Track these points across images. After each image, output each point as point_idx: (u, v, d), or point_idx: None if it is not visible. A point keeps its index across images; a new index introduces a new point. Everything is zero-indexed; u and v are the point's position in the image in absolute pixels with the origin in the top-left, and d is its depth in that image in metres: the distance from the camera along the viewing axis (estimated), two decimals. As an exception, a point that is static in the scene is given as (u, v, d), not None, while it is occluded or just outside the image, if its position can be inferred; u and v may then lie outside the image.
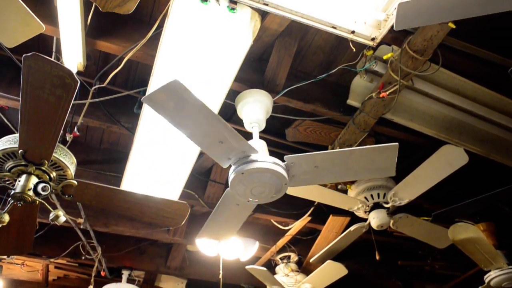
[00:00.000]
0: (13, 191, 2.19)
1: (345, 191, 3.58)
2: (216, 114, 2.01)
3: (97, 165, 3.57)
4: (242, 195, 2.33)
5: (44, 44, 2.77)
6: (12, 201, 2.20)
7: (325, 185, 3.51)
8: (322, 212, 3.88)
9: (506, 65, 2.70)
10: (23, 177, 2.21)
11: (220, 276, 3.64)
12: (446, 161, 2.75)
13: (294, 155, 2.20)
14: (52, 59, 1.79)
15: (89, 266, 4.60)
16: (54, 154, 2.25)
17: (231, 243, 3.75)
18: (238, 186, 2.26)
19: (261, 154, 2.24)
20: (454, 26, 2.26)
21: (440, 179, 2.86)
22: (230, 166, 2.26)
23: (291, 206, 3.89)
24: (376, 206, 3.36)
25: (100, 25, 2.54)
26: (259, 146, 2.45)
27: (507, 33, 2.60)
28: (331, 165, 2.24)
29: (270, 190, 2.26)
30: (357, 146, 3.16)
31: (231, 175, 2.25)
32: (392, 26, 2.27)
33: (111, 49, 2.61)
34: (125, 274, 4.52)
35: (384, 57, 2.59)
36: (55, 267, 4.83)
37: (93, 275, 4.18)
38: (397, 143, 2.14)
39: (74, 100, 1.94)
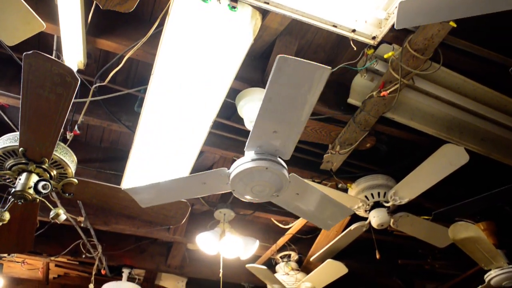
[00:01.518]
0: (13, 189, 2.19)
1: (345, 190, 3.58)
2: (175, 178, 2.24)
3: (97, 163, 3.57)
4: (245, 196, 2.33)
5: (44, 42, 2.77)
6: (13, 199, 2.20)
7: (325, 184, 3.51)
8: (322, 211, 3.87)
9: (507, 64, 2.69)
10: (24, 175, 2.21)
11: (220, 275, 3.64)
12: (447, 160, 2.75)
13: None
14: (53, 57, 1.79)
15: (90, 264, 4.61)
16: (54, 153, 2.25)
17: (231, 242, 3.75)
18: (240, 189, 2.26)
19: (237, 161, 2.22)
20: (455, 25, 2.26)
21: (441, 178, 2.86)
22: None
23: (292, 205, 3.89)
24: (377, 205, 3.37)
25: (100, 23, 2.54)
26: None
27: (508, 32, 2.60)
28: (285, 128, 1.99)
29: (270, 188, 2.25)
30: (357, 145, 3.16)
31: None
32: (393, 25, 2.26)
33: (111, 47, 2.61)
34: (125, 272, 4.52)
35: (385, 56, 2.58)
36: (56, 265, 4.84)
37: (93, 273, 4.19)
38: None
39: (75, 99, 1.94)
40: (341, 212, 2.57)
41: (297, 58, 1.71)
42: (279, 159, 2.18)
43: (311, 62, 1.74)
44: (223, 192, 2.34)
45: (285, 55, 1.69)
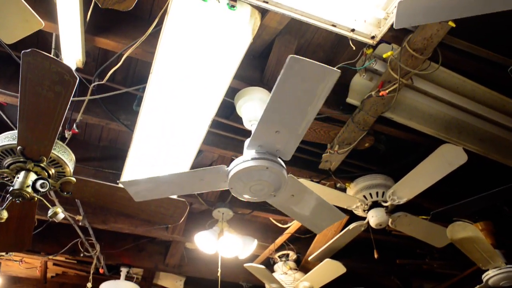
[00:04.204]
0: (11, 188, 2.19)
1: (344, 190, 3.58)
2: (173, 173, 2.20)
3: (96, 162, 3.56)
4: (243, 195, 2.32)
5: (43, 41, 2.76)
6: (11, 197, 2.20)
7: (324, 184, 3.51)
8: (321, 211, 3.87)
9: (506, 64, 2.69)
10: (22, 173, 2.21)
11: (219, 274, 3.64)
12: (445, 160, 2.75)
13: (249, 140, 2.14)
14: (51, 56, 1.79)
15: (88, 263, 4.60)
16: (53, 151, 2.25)
17: (230, 241, 3.75)
18: (238, 188, 2.26)
19: (236, 160, 2.22)
20: (454, 25, 2.26)
21: (439, 178, 2.86)
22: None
23: (290, 204, 3.89)
24: (375, 204, 3.37)
25: (99, 22, 2.53)
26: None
27: (508, 32, 2.60)
28: (286, 124, 1.96)
29: (269, 188, 2.25)
30: (356, 144, 3.16)
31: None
32: (392, 25, 2.26)
33: (110, 46, 2.60)
34: (123, 271, 4.53)
35: (384, 56, 2.58)
36: (54, 264, 4.83)
37: (91, 272, 4.19)
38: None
39: (73, 97, 1.94)
40: (333, 216, 2.57)
41: (308, 59, 1.69)
42: (279, 159, 2.18)
43: (322, 64, 1.71)
44: (220, 189, 2.33)
45: (297, 56, 1.67)
